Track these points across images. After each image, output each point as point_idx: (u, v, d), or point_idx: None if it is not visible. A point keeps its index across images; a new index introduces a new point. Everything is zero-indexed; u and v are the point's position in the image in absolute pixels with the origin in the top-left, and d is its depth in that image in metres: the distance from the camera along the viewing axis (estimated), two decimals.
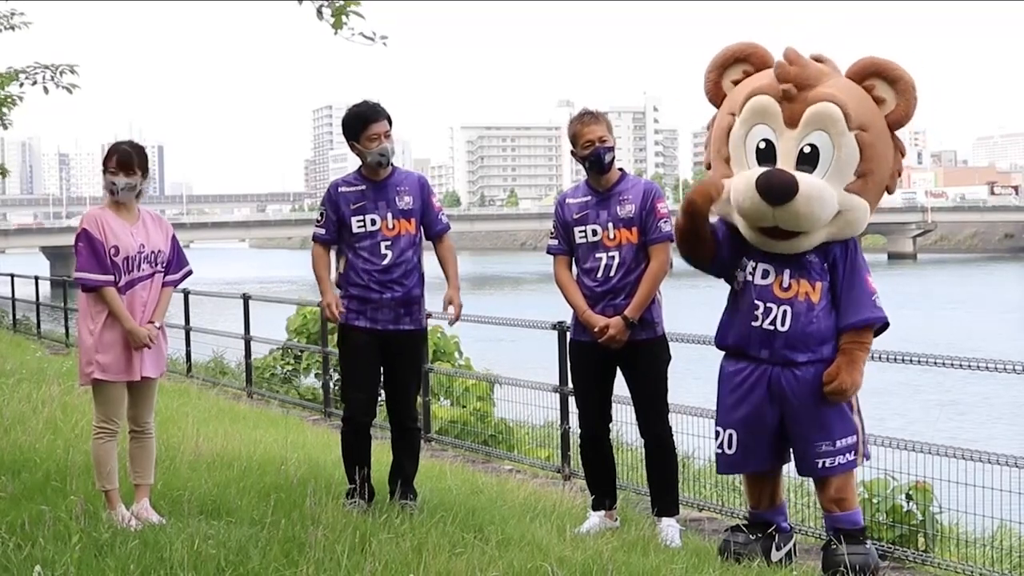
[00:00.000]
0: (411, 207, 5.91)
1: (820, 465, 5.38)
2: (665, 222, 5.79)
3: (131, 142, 5.65)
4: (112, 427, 5.52)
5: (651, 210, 5.78)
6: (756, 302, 5.42)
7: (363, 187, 5.91)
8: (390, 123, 5.90)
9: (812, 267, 5.38)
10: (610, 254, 5.77)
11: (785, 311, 5.37)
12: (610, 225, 5.78)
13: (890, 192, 5.50)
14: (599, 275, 5.79)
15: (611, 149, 5.81)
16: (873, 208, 5.43)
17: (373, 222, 5.84)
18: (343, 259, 5.96)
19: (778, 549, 5.56)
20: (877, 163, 5.35)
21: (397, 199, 5.89)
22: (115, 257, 5.46)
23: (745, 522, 5.80)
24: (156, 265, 5.59)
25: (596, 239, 5.80)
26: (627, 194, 5.82)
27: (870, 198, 5.39)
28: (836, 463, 5.36)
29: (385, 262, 5.85)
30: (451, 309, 6.05)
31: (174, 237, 5.73)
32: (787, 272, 5.39)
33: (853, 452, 5.39)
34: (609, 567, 4.82)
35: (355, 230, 5.87)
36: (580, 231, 5.85)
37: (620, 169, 5.94)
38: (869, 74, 5.38)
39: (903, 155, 5.52)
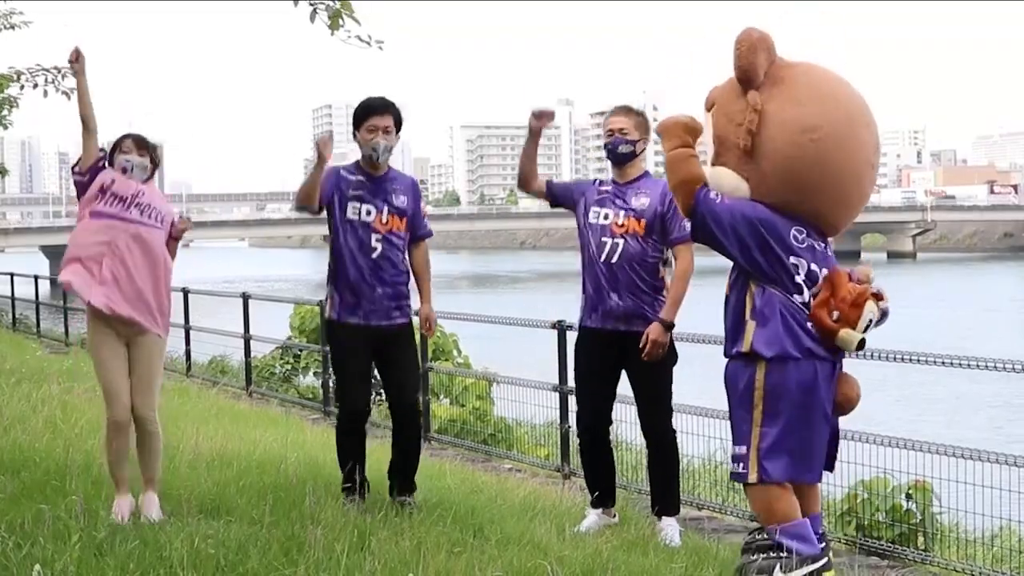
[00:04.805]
0: (404, 206, 5.96)
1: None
2: (687, 223, 5.85)
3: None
4: (115, 417, 5.50)
5: (675, 212, 5.86)
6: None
7: (362, 178, 5.92)
8: (397, 123, 5.90)
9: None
10: (615, 240, 5.84)
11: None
12: (621, 212, 5.87)
13: (742, 149, 5.02)
14: (603, 259, 5.85)
15: (631, 143, 5.91)
16: (738, 169, 5.07)
17: (368, 212, 5.85)
18: (332, 255, 5.95)
19: (784, 571, 4.97)
20: (718, 128, 5.14)
21: (393, 196, 5.93)
22: (109, 186, 5.44)
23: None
24: (147, 217, 5.48)
25: (607, 223, 5.89)
26: (644, 188, 5.94)
27: (723, 160, 5.10)
28: (731, 470, 5.15)
29: (375, 255, 5.86)
30: (427, 321, 6.15)
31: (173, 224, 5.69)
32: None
33: (742, 464, 5.00)
34: (609, 566, 4.82)
35: (349, 215, 5.86)
36: (595, 212, 5.94)
37: (645, 171, 6.04)
38: None
39: (754, 110, 4.98)
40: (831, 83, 5.15)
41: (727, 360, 5.17)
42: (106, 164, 5.58)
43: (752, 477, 5.01)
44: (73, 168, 5.62)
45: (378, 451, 6.22)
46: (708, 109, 5.27)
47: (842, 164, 5.03)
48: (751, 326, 5.00)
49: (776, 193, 5.01)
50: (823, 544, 5.18)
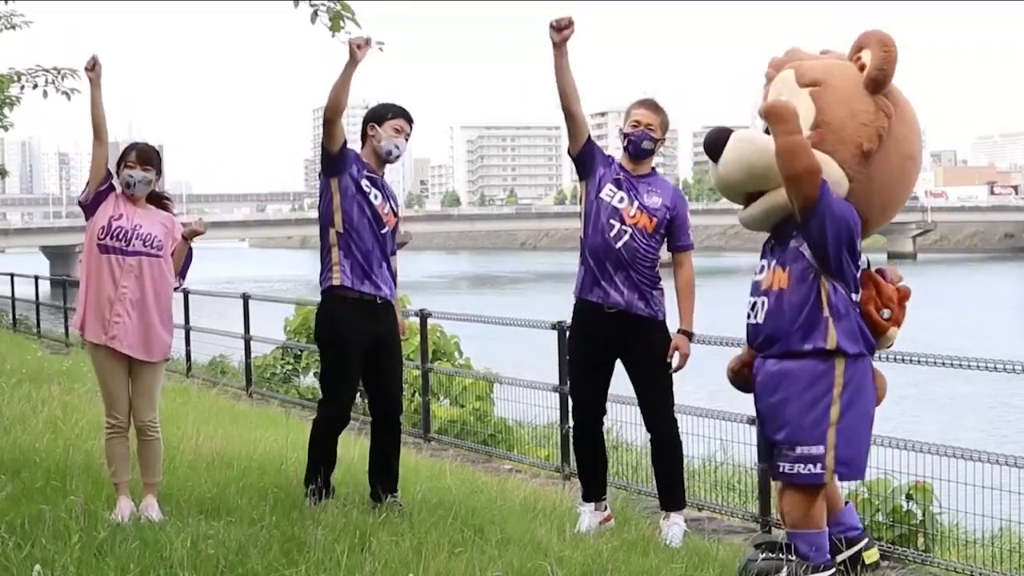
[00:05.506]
0: (396, 209, 6.05)
1: (780, 469, 5.05)
2: (691, 231, 6.04)
3: (146, 143, 5.75)
4: (114, 421, 5.59)
5: (683, 219, 5.93)
6: (750, 298, 5.27)
7: (366, 171, 5.92)
8: (409, 135, 6.00)
9: (787, 252, 5.10)
10: (623, 227, 5.81)
11: (763, 303, 5.15)
12: (635, 204, 5.85)
13: (864, 150, 5.06)
14: (610, 238, 5.79)
15: (653, 140, 5.90)
16: (845, 164, 5.08)
17: (376, 197, 5.85)
18: (343, 225, 5.78)
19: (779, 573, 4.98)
20: (831, 115, 5.07)
21: (390, 197, 5.99)
22: (116, 220, 5.55)
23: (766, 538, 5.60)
24: (150, 246, 5.60)
25: (620, 206, 5.84)
26: (656, 187, 5.94)
27: (829, 149, 5.06)
28: (795, 471, 4.97)
29: (383, 231, 5.86)
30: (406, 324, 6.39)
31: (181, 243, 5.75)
32: (773, 261, 5.17)
33: (819, 464, 4.92)
34: (609, 567, 4.82)
35: (364, 188, 5.80)
36: (610, 190, 5.88)
37: (653, 168, 6.04)
38: (856, 48, 5.23)
39: (888, 116, 5.10)
40: (915, 113, 5.37)
41: (782, 356, 5.05)
42: (113, 178, 5.66)
43: (828, 477, 4.99)
44: (79, 201, 5.75)
45: (349, 449, 6.16)
46: (805, 85, 5.18)
47: (910, 192, 5.35)
48: (831, 322, 4.99)
49: (872, 202, 5.16)
50: (863, 539, 5.36)
